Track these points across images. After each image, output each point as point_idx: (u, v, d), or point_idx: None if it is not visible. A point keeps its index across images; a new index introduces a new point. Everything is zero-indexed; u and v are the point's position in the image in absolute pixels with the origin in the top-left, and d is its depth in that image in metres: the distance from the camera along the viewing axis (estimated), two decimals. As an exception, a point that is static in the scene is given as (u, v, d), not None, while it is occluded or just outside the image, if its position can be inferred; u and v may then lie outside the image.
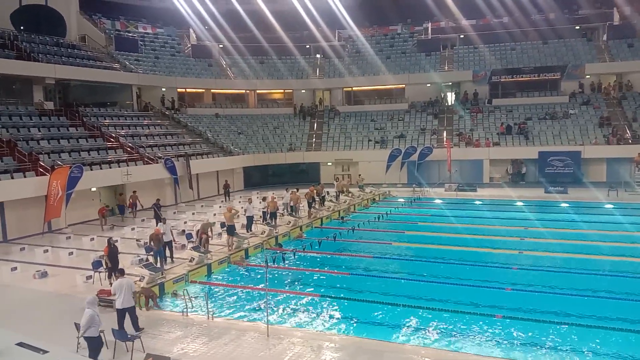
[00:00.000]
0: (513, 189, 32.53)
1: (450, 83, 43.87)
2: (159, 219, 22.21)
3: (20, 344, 7.58)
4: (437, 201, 30.61)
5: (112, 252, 15.07)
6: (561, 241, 19.89)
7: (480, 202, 29.95)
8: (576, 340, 11.19)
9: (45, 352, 7.26)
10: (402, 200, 31.38)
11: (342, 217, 25.99)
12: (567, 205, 27.59)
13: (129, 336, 10.47)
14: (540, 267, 16.86)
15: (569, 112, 38.12)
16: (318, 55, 47.96)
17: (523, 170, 36.04)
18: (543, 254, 18.46)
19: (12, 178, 22.17)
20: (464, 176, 35.71)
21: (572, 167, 33.76)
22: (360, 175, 34.67)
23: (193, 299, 13.67)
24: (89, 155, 27.43)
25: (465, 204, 29.40)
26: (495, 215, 25.45)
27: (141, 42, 43.18)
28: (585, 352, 10.67)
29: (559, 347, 10.92)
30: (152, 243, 16.54)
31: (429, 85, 43.31)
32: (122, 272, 12.27)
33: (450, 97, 44.00)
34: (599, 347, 10.87)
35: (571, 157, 33.87)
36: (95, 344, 9.88)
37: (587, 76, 40.13)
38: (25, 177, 22.58)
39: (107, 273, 15.28)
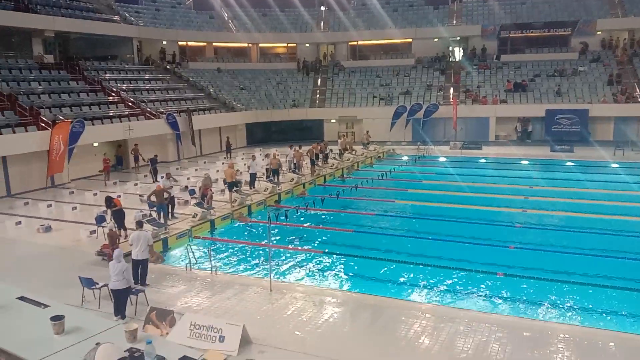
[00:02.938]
0: (518, 147, 32.18)
1: (458, 38, 42.80)
2: (155, 174, 22.11)
3: (22, 298, 7.55)
4: (442, 159, 30.40)
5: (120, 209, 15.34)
6: (566, 200, 19.79)
7: (485, 161, 29.73)
8: (578, 298, 11.22)
9: (46, 306, 7.22)
10: (406, 158, 31.18)
11: (343, 175, 25.84)
12: (573, 164, 27.37)
13: (133, 290, 10.53)
14: (544, 226, 16.83)
15: (577, 69, 37.32)
16: (322, 8, 46.64)
17: (529, 129, 35.61)
18: (547, 212, 18.40)
19: (14, 132, 21.98)
20: (469, 134, 35.36)
21: (579, 125, 33.32)
22: (367, 132, 33.78)
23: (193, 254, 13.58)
24: (90, 109, 27.11)
25: (470, 162, 29.19)
26: (500, 174, 25.30)
27: (141, -6, 42.06)
28: (587, 311, 10.71)
29: (560, 305, 10.96)
30: (153, 198, 16.47)
31: (436, 40, 42.21)
32: (140, 225, 12.30)
33: (458, 53, 43.04)
34: (601, 305, 10.91)
35: (578, 116, 33.40)
36: (127, 294, 10.23)
37: (599, 32, 39.00)
38: (27, 131, 22.39)
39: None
